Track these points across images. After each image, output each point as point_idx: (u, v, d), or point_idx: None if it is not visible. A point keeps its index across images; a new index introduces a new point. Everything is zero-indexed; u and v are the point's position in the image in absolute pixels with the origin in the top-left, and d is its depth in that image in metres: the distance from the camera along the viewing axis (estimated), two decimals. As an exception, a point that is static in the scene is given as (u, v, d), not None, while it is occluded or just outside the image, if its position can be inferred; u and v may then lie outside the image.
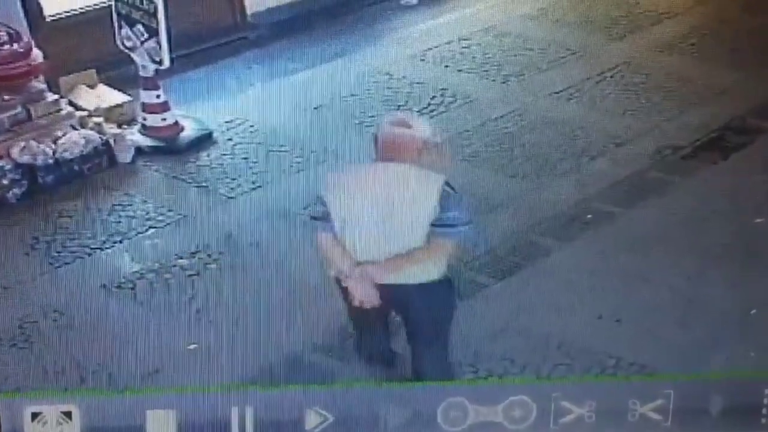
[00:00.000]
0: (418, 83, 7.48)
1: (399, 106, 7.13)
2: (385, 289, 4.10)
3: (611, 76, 7.56)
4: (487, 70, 7.67)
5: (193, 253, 5.52)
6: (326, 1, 8.92)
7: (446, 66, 7.73)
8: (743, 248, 5.47)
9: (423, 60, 7.89)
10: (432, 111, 7.10)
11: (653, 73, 7.66)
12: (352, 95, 7.30)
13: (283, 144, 6.66)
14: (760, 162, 6.41)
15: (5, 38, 6.39)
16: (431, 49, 8.01)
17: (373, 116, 6.96)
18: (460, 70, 7.60)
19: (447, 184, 4.00)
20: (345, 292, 4.22)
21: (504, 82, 7.48)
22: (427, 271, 4.08)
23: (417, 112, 7.00)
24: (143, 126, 6.72)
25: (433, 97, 7.28)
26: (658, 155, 6.51)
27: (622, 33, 8.36)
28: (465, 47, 8.07)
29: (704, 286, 5.18)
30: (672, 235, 5.63)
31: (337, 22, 8.59)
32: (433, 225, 3.98)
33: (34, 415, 3.73)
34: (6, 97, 6.33)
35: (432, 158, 4.02)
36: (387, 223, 4.01)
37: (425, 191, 3.97)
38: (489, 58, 7.90)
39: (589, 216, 5.87)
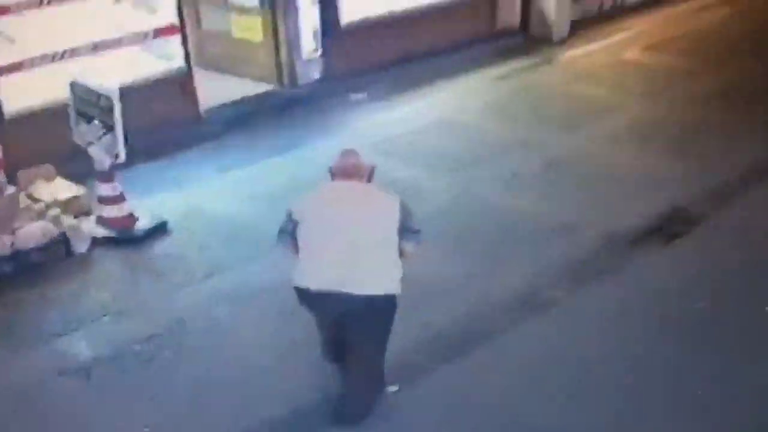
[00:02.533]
0: (370, 173, 7.84)
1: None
2: (350, 299, 4.69)
3: (560, 166, 7.97)
4: (437, 161, 8.06)
5: (147, 338, 5.74)
6: (278, 96, 9.36)
7: (398, 158, 8.12)
8: (687, 332, 5.76)
9: (374, 152, 8.25)
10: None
11: (601, 163, 8.07)
12: (305, 186, 7.58)
13: (237, 233, 6.96)
14: (702, 248, 6.77)
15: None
16: (382, 141, 8.41)
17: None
18: (411, 162, 7.98)
19: (401, 201, 4.79)
20: (308, 302, 4.86)
21: (455, 172, 7.86)
22: (388, 282, 4.74)
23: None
24: (99, 217, 6.99)
25: (386, 186, 7.60)
26: (605, 241, 6.82)
27: (572, 125, 8.86)
28: (416, 139, 8.49)
29: (652, 366, 5.44)
30: (619, 317, 5.91)
31: (290, 117, 8.98)
32: (402, 233, 4.74)
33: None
34: (-36, 191, 6.53)
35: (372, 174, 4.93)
36: (355, 231, 4.69)
37: (389, 205, 4.77)
38: (440, 149, 8.31)
39: (538, 300, 6.14)
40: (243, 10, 9.40)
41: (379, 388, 5.11)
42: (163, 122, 8.30)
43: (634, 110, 9.25)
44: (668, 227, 7.04)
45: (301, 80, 9.48)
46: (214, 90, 9.02)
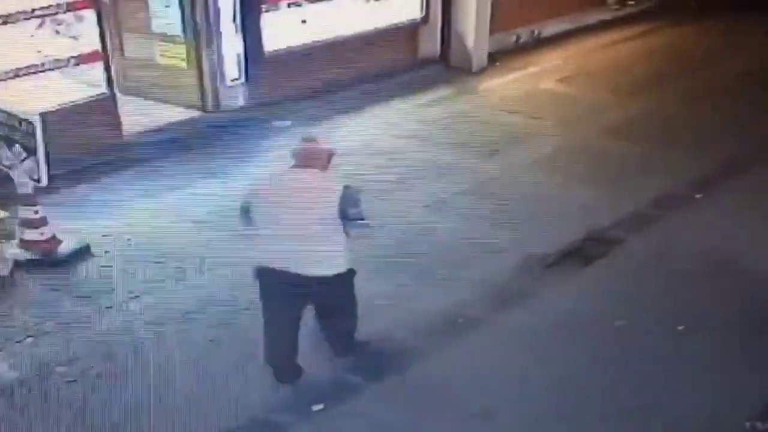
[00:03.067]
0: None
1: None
2: (303, 280, 5.01)
3: (481, 191, 8.12)
4: (362, 185, 8.08)
5: (71, 360, 5.67)
6: (201, 122, 9.35)
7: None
8: (605, 351, 5.90)
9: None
10: (309, 224, 7.49)
11: (520, 188, 8.24)
12: (229, 210, 7.60)
13: (161, 256, 6.91)
14: (618, 270, 6.96)
15: None
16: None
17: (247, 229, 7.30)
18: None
19: (347, 186, 5.06)
20: (264, 286, 5.17)
21: (378, 197, 7.92)
22: (338, 263, 5.11)
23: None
24: (22, 240, 6.89)
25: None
26: (525, 263, 6.97)
27: (492, 151, 9.03)
28: (341, 164, 8.51)
29: (571, 384, 5.56)
30: (539, 337, 6.04)
31: (214, 143, 8.96)
32: (342, 220, 5.00)
33: None
34: None
35: (330, 164, 5.18)
36: (302, 215, 4.96)
37: (331, 191, 5.02)
38: (364, 174, 8.39)
39: (460, 320, 6.23)
40: (167, 38, 9.38)
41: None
42: (87, 147, 8.20)
43: (551, 138, 9.47)
44: (585, 250, 7.23)
45: (225, 107, 9.49)
46: (138, 116, 8.97)
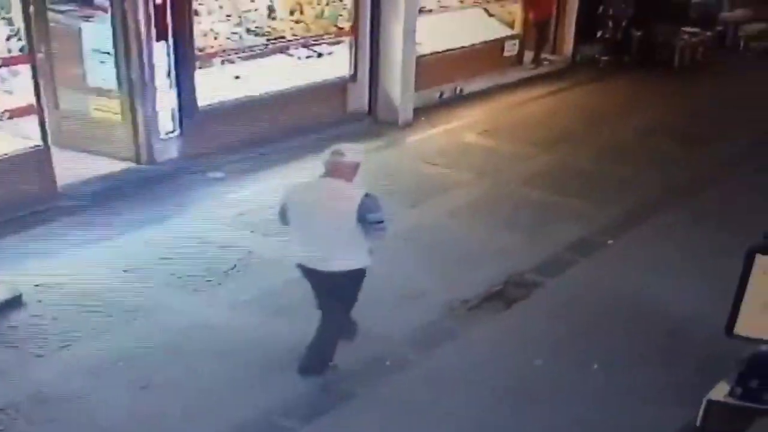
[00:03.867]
0: (225, 246, 7.81)
1: (209, 267, 7.40)
2: (325, 275, 5.72)
3: (406, 238, 8.08)
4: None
5: (1, 409, 5.47)
6: (135, 174, 9.21)
7: (252, 231, 8.13)
8: (527, 389, 5.93)
9: (235, 224, 8.25)
10: (238, 271, 7.41)
11: (443, 235, 8.29)
12: (164, 258, 7.51)
13: (94, 305, 6.75)
14: (538, 312, 7.02)
15: None
16: (239, 215, 8.42)
17: (181, 277, 7.21)
18: (265, 235, 7.98)
19: (367, 194, 5.68)
20: (307, 274, 5.83)
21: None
22: (352, 262, 5.72)
23: (224, 272, 7.34)
24: (-47, 290, 6.66)
25: (240, 258, 7.60)
26: (448, 307, 6.98)
27: (418, 200, 9.08)
28: (270, 214, 8.46)
29: (495, 423, 5.58)
30: (463, 378, 6.04)
31: (147, 194, 8.83)
32: (361, 223, 5.60)
33: None
34: None
35: (356, 172, 5.78)
36: (329, 218, 5.65)
37: (352, 198, 5.63)
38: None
39: (388, 362, 6.21)
40: (101, 92, 9.27)
41: (337, 337, 6.07)
42: (21, 198, 8.05)
43: (473, 188, 9.57)
44: (506, 293, 7.26)
45: (159, 159, 9.38)
46: (73, 168, 8.81)
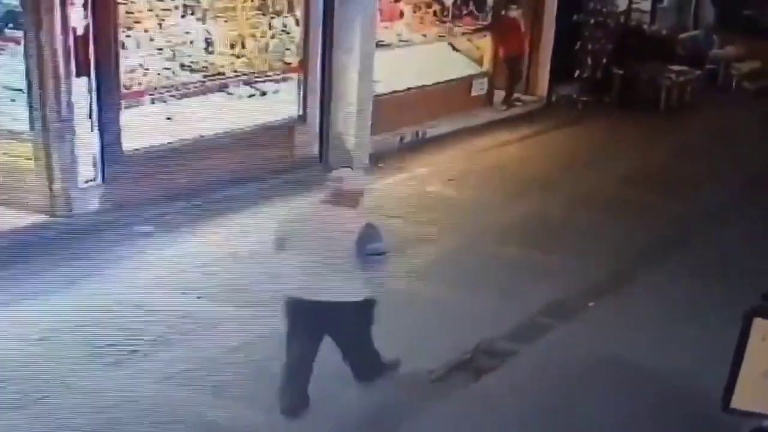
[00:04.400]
0: (154, 311, 7.66)
1: (131, 337, 7.24)
2: (322, 307, 6.05)
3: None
4: (232, 295, 7.96)
5: None
6: (51, 228, 9.05)
7: (184, 293, 7.99)
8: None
9: (164, 287, 8.11)
10: (169, 340, 7.26)
11: (406, 298, 8.13)
12: (81, 327, 7.34)
13: (3, 377, 6.52)
14: (510, 383, 6.97)
15: None
16: (170, 275, 8.26)
17: (101, 347, 7.02)
18: (200, 297, 7.85)
19: (368, 224, 6.15)
20: (289, 317, 6.21)
21: (250, 307, 7.77)
22: (357, 291, 6.16)
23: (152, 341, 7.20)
24: None
25: (171, 325, 7.45)
26: (415, 378, 6.91)
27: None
28: (208, 273, 8.38)
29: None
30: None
31: (65, 250, 8.67)
32: (361, 254, 6.03)
33: None
34: None
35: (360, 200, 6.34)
36: (329, 246, 6.03)
37: (353, 226, 6.09)
38: (231, 282, 8.22)
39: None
40: (11, 135, 9.13)
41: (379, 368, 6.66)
42: None
43: (437, 244, 9.55)
44: (475, 363, 7.23)
45: (78, 211, 9.23)
46: (-24, 221, 8.65)
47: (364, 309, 6.29)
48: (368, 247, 6.08)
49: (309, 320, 6.19)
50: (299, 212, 6.66)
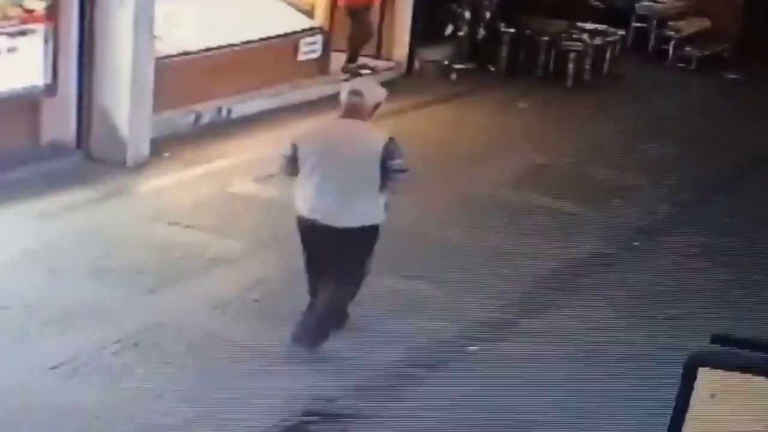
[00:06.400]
0: None
1: None
2: (337, 232, 8.10)
3: (142, 344, 8.41)
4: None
5: None
6: None
7: None
8: None
9: None
10: None
11: (200, 340, 8.60)
12: None
13: None
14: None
15: None
16: None
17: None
18: None
19: (390, 138, 8.12)
20: (304, 231, 8.31)
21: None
22: (365, 216, 8.19)
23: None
24: None
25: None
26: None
27: (157, 284, 9.42)
28: None
29: None
30: None
31: None
32: (384, 171, 8.02)
33: None
34: None
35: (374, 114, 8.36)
36: (346, 161, 8.07)
37: (375, 143, 8.07)
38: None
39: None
40: None
41: (336, 323, 8.51)
42: None
43: (247, 264, 10.03)
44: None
45: None
46: None
47: (365, 235, 8.28)
48: (390, 163, 8.02)
49: (321, 244, 8.28)
50: (315, 128, 8.80)
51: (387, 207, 8.27)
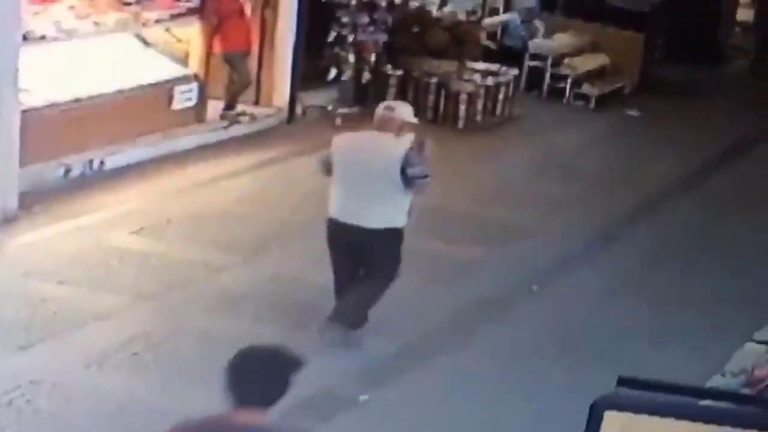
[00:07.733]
0: None
1: None
2: (360, 231, 9.79)
3: (10, 402, 8.63)
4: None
5: None
6: None
7: None
8: None
9: None
10: None
11: (75, 403, 8.80)
12: None
13: None
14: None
15: None
16: None
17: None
18: None
19: (412, 149, 9.78)
20: (332, 231, 10.04)
21: None
22: (389, 218, 9.90)
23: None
24: None
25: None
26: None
27: (27, 341, 9.59)
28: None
29: None
30: None
31: None
32: (405, 178, 9.70)
33: None
34: None
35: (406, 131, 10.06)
36: (371, 168, 9.78)
37: (396, 151, 9.75)
38: None
39: None
40: None
41: (358, 320, 10.12)
42: None
43: (126, 319, 10.28)
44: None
45: None
46: None
47: (390, 236, 9.87)
48: (409, 170, 9.63)
49: (348, 243, 9.94)
50: (350, 136, 10.55)
51: (409, 213, 9.96)
